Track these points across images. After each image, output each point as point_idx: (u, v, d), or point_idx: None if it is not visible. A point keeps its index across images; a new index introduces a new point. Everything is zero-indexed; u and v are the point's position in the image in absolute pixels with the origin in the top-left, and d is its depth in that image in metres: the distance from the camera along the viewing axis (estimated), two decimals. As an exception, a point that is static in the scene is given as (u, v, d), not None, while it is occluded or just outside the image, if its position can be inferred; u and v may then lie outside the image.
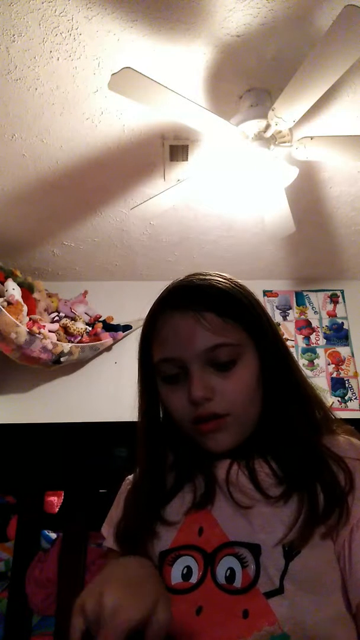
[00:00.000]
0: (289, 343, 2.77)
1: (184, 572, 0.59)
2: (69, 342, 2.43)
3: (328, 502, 0.58)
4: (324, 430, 0.67)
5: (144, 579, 0.50)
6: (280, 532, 0.56)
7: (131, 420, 0.74)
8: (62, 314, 2.53)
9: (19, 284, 2.27)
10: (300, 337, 2.80)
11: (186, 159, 1.96)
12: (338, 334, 2.81)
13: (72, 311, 2.61)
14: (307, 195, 2.18)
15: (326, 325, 2.83)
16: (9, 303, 2.12)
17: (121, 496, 0.75)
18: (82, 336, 2.51)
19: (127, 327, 2.68)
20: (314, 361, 2.74)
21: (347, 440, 0.65)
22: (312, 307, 2.88)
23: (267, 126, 1.61)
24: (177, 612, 0.57)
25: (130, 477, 0.77)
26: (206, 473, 0.66)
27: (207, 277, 0.69)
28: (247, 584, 0.55)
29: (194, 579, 0.58)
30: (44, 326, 2.29)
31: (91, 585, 0.49)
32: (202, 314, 0.63)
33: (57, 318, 2.48)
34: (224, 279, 0.69)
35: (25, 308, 2.20)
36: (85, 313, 2.67)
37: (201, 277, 0.69)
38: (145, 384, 0.71)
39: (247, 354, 0.65)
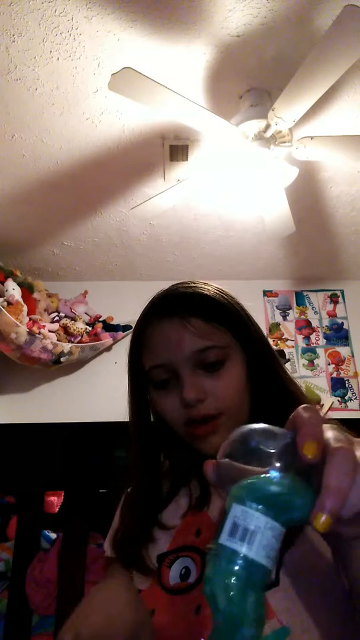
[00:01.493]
0: (288, 343, 2.78)
1: (182, 572, 0.60)
2: (69, 342, 2.43)
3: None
4: None
5: None
6: None
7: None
8: (62, 314, 2.53)
9: (19, 284, 2.27)
10: (300, 337, 2.80)
11: (186, 159, 1.96)
12: (338, 334, 2.81)
13: (72, 311, 2.61)
14: (307, 195, 2.18)
15: (326, 325, 2.83)
16: (9, 303, 2.12)
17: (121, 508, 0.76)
18: (82, 336, 2.51)
19: (127, 327, 2.68)
20: (314, 361, 2.74)
21: None
22: (312, 307, 2.87)
23: (267, 126, 1.61)
24: (177, 612, 0.57)
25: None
26: (201, 476, 0.67)
27: (191, 285, 0.71)
28: None
29: (192, 579, 0.59)
30: (44, 326, 2.30)
31: None
32: (189, 319, 0.65)
33: (57, 318, 2.48)
34: (208, 285, 0.72)
35: (25, 308, 2.20)
36: (85, 313, 2.67)
37: (185, 285, 0.71)
38: (137, 393, 0.73)
39: (234, 355, 0.66)
